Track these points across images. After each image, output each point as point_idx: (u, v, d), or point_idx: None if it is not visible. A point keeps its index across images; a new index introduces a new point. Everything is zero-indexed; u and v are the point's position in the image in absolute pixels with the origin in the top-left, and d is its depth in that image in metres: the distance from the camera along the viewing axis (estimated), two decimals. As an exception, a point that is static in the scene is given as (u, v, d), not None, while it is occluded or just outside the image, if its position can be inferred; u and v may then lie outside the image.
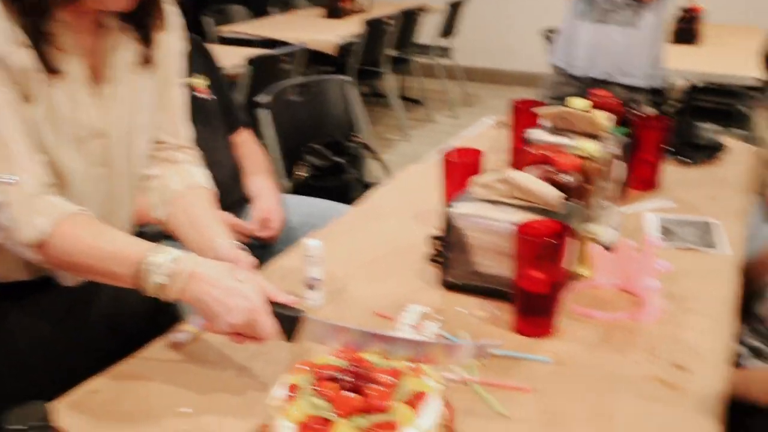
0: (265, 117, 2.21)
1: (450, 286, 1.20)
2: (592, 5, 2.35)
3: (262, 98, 2.23)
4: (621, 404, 0.95)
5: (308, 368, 0.80)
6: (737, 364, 1.41)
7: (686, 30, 3.64)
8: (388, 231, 1.45)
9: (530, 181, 1.13)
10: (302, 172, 2.26)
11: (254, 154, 1.90)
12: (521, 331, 1.09)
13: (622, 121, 1.71)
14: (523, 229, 1.04)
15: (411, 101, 5.87)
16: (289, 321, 0.91)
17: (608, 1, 2.31)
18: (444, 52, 5.62)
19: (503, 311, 1.14)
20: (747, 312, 1.51)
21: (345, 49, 4.36)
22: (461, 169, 1.35)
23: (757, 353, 1.38)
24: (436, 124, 5.34)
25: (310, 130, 2.39)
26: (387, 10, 4.75)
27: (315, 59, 4.59)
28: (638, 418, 0.93)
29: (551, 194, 1.12)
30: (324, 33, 4.30)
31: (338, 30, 4.35)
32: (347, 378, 0.77)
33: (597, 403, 0.95)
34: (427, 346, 0.90)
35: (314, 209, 1.88)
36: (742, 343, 1.43)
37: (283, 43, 3.87)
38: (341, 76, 2.50)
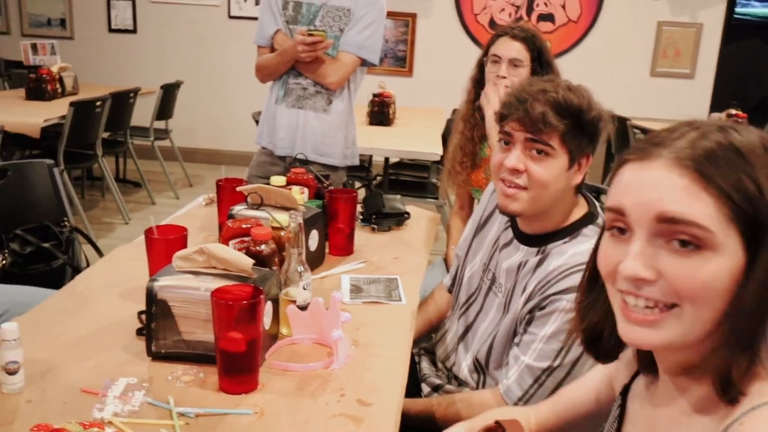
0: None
1: (157, 356, 1.26)
2: (288, 92, 2.58)
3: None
4: (313, 441, 1.08)
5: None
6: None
7: (379, 113, 4.10)
8: (95, 310, 1.46)
9: (225, 251, 1.25)
10: (2, 260, 2.14)
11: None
12: (226, 390, 1.18)
13: (316, 195, 1.93)
14: (219, 295, 1.15)
15: (130, 183, 5.76)
16: None
17: (302, 89, 2.56)
18: (161, 134, 5.63)
19: (209, 373, 1.22)
20: (432, 352, 1.76)
21: (53, 132, 4.19)
22: (164, 245, 1.43)
23: (435, 389, 1.61)
24: (156, 206, 5.28)
25: (13, 217, 2.28)
26: (96, 92, 4.67)
27: (19, 143, 4.34)
28: (327, 450, 1.06)
29: (244, 261, 1.24)
30: (26, 115, 4.09)
31: (42, 112, 4.17)
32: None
33: (292, 442, 1.07)
34: None
35: (17, 296, 1.80)
36: (425, 381, 1.66)
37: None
38: (44, 160, 2.42)
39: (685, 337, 0.75)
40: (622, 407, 0.95)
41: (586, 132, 1.38)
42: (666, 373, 0.85)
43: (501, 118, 1.42)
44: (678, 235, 0.72)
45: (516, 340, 1.43)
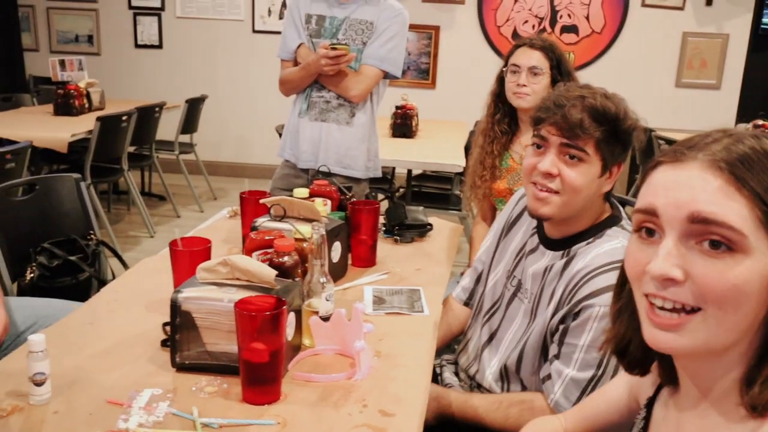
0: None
1: (181, 367, 1.27)
2: (311, 105, 2.60)
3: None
4: (335, 452, 1.08)
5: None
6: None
7: (402, 125, 4.10)
8: (120, 322, 1.47)
9: (248, 262, 1.26)
10: (30, 273, 2.17)
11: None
12: (249, 400, 1.19)
13: (339, 206, 1.94)
14: (242, 306, 1.16)
15: (155, 197, 5.82)
16: None
17: (325, 102, 2.58)
18: (186, 147, 5.69)
19: (232, 384, 1.23)
20: (454, 363, 1.76)
21: (80, 146, 4.25)
22: (188, 257, 1.44)
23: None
24: (181, 219, 5.33)
25: (41, 230, 2.32)
26: (122, 107, 4.73)
27: (47, 158, 4.41)
28: (350, 461, 1.06)
29: (267, 273, 1.25)
30: (54, 130, 4.16)
31: (69, 127, 4.23)
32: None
33: (315, 454, 1.07)
34: None
35: (44, 309, 1.83)
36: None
37: (8, 142, 3.69)
38: (71, 174, 2.46)
39: (709, 343, 0.74)
40: (647, 419, 0.94)
41: (621, 140, 1.39)
42: (692, 384, 0.83)
43: (536, 121, 1.42)
44: (709, 236, 0.71)
45: (554, 352, 1.41)
